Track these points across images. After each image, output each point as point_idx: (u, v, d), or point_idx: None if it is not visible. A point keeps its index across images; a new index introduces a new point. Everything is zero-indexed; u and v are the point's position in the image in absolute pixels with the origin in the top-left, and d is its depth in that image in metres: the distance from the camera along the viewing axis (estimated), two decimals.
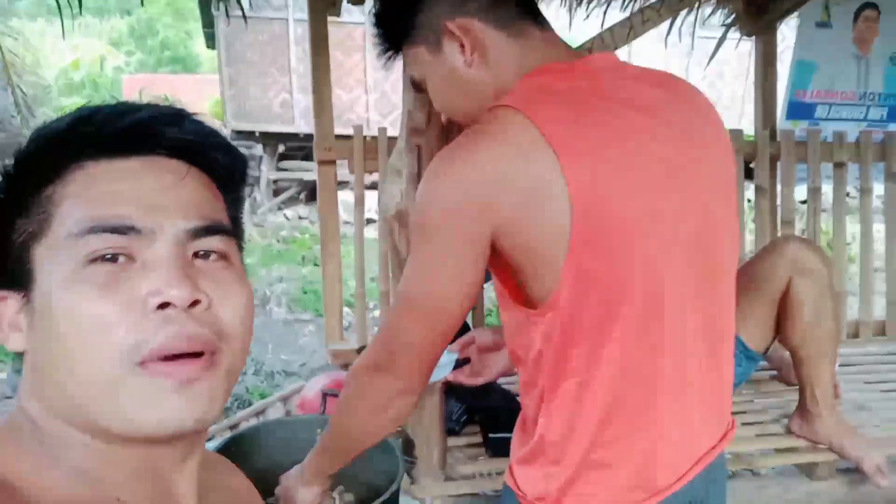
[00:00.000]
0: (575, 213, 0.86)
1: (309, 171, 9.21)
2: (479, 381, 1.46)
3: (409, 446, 1.73)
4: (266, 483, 1.27)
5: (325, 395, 1.75)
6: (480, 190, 0.89)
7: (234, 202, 0.67)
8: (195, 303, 0.55)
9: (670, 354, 0.96)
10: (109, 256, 0.54)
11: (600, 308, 0.91)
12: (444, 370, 1.44)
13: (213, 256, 0.59)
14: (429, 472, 1.72)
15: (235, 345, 0.59)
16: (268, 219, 8.71)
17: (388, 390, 1.00)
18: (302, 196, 9.55)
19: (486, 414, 1.91)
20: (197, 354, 0.55)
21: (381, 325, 1.01)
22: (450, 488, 1.72)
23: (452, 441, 1.89)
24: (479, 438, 1.94)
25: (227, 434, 1.81)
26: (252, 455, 1.42)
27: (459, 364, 1.48)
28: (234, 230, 0.64)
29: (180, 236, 0.56)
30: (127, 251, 0.54)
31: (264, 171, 9.46)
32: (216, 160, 0.63)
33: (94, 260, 0.53)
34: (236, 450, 1.39)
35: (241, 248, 0.67)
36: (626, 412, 0.96)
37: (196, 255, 0.58)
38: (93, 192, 0.55)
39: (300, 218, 8.93)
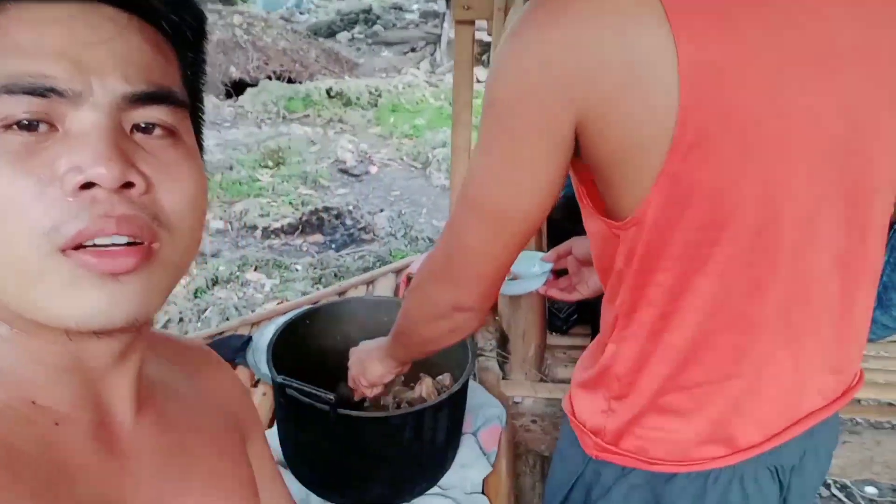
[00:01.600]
0: (683, 104, 0.66)
1: None
2: (574, 297, 1.29)
3: (504, 340, 1.62)
4: (340, 359, 1.23)
5: (409, 279, 1.64)
6: (566, 63, 0.69)
7: (192, 68, 0.55)
8: (128, 185, 0.45)
9: (780, 294, 0.77)
10: (27, 123, 0.44)
11: (696, 230, 0.73)
12: (535, 282, 1.29)
13: (157, 131, 0.48)
14: (522, 371, 1.62)
15: (181, 237, 0.48)
16: (445, 79, 8.61)
17: (445, 303, 0.88)
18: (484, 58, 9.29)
19: (598, 312, 1.74)
20: (132, 245, 0.45)
21: (446, 225, 0.87)
22: (542, 390, 1.61)
23: (555, 340, 1.76)
24: (586, 341, 1.78)
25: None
26: (329, 330, 1.38)
27: (556, 276, 1.32)
28: (187, 101, 0.52)
29: (115, 102, 0.46)
30: (48, 118, 0.44)
31: (446, 28, 9.25)
32: (168, 11, 0.50)
33: (8, 126, 0.44)
34: (311, 323, 1.35)
35: (198, 125, 0.56)
36: (710, 357, 0.80)
37: (137, 128, 0.47)
38: (9, 42, 0.45)
39: (478, 81, 8.73)
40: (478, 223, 0.81)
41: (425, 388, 1.36)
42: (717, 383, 0.81)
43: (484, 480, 1.31)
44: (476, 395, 1.48)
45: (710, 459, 0.85)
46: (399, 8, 11.40)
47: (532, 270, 1.34)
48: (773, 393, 0.83)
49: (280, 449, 1.26)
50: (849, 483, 2.06)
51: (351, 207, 4.21)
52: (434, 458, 1.22)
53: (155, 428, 0.56)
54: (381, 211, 4.27)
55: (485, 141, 0.78)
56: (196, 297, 3.13)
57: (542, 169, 0.76)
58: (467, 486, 1.29)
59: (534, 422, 1.58)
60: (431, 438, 1.17)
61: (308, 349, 1.34)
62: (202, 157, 0.56)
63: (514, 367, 1.62)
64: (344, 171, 4.89)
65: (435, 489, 1.26)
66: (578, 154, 0.76)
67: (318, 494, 1.23)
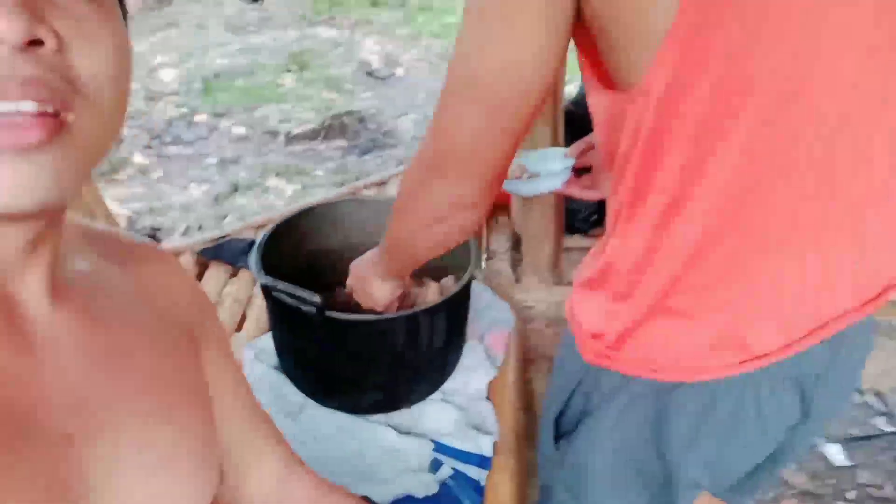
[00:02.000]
0: None
1: None
2: (597, 195, 1.18)
3: (516, 240, 1.53)
4: (337, 262, 1.16)
5: None
6: None
7: None
8: (36, 43, 0.37)
9: (812, 178, 0.67)
10: None
11: (712, 101, 0.63)
12: (555, 179, 1.18)
13: None
14: (535, 273, 1.53)
15: (99, 109, 0.41)
16: None
17: (441, 199, 0.76)
18: None
19: None
20: (42, 116, 0.37)
21: (434, 113, 0.75)
22: (557, 294, 1.52)
23: (574, 241, 1.66)
24: None
25: None
26: (326, 231, 1.30)
27: (577, 174, 1.20)
28: None
29: None
30: None
31: None
32: None
33: None
34: (306, 224, 1.28)
35: None
36: (723, 252, 0.71)
37: None
38: None
39: None
40: (472, 105, 0.69)
41: (431, 292, 1.29)
42: (732, 282, 0.72)
43: (489, 386, 1.25)
44: (484, 298, 1.40)
45: (720, 367, 0.76)
46: None
47: (552, 167, 1.23)
48: (797, 292, 0.73)
49: (276, 355, 1.22)
50: (884, 391, 1.97)
51: (375, 111, 4.07)
52: (432, 364, 1.16)
53: (79, 326, 0.49)
54: (406, 114, 4.13)
55: (474, 8, 0.67)
56: (216, 203, 3.09)
57: (540, 34, 0.65)
58: (471, 391, 1.23)
59: (548, 326, 1.51)
60: (428, 343, 1.10)
61: (304, 252, 1.27)
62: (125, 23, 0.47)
63: (526, 270, 1.53)
64: (369, 74, 4.72)
65: (436, 395, 1.21)
66: (580, 17, 0.65)
67: (315, 400, 1.18)
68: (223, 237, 1.65)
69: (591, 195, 1.19)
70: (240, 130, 3.86)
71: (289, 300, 1.02)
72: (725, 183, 0.66)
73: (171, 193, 3.19)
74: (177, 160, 3.56)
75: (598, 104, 0.74)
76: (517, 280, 1.55)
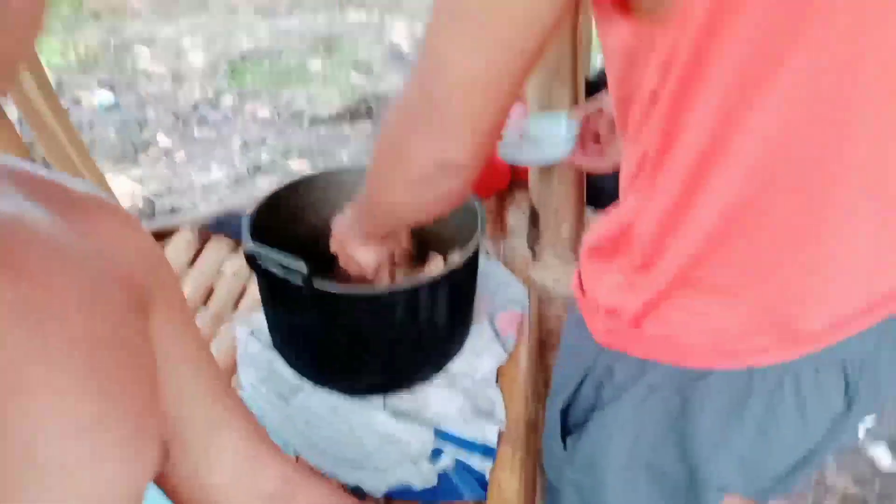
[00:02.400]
0: None
1: None
2: (605, 164, 1.07)
3: (534, 217, 1.43)
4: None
5: None
6: None
7: None
8: None
9: (876, 129, 0.56)
10: None
11: (764, 29, 0.52)
12: (560, 148, 1.07)
13: None
14: (554, 250, 1.42)
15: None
16: None
17: (424, 158, 0.64)
18: None
19: None
20: None
21: (418, 50, 0.63)
22: None
23: (597, 218, 1.54)
24: None
25: None
26: (327, 202, 1.21)
27: (584, 139, 1.10)
28: None
29: None
30: None
31: None
32: None
33: None
34: (304, 194, 1.19)
35: None
36: (767, 216, 0.60)
37: None
38: None
39: None
40: (462, 40, 0.57)
41: (435, 267, 1.20)
42: (775, 253, 0.61)
43: (498, 370, 1.15)
44: (497, 276, 1.30)
45: (759, 352, 0.65)
46: None
47: (556, 133, 1.12)
48: (849, 268, 0.62)
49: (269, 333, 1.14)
50: None
51: None
52: (435, 344, 1.06)
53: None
54: None
55: None
56: (237, 185, 3.04)
57: None
58: (478, 375, 1.13)
59: (567, 308, 1.40)
60: (430, 320, 1.01)
61: (306, 224, 1.19)
62: None
63: (544, 248, 1.43)
64: (398, 58, 4.63)
65: (440, 378, 1.12)
66: None
67: (309, 381, 1.10)
68: (227, 211, 1.58)
69: (600, 165, 1.08)
70: (265, 113, 3.80)
71: (276, 270, 0.93)
72: (772, 132, 0.55)
73: (192, 175, 3.15)
74: (201, 142, 3.52)
75: (615, 37, 0.62)
76: (535, 258, 1.44)
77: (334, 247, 0.99)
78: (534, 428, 1.12)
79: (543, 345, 1.44)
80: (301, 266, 0.89)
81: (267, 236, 1.07)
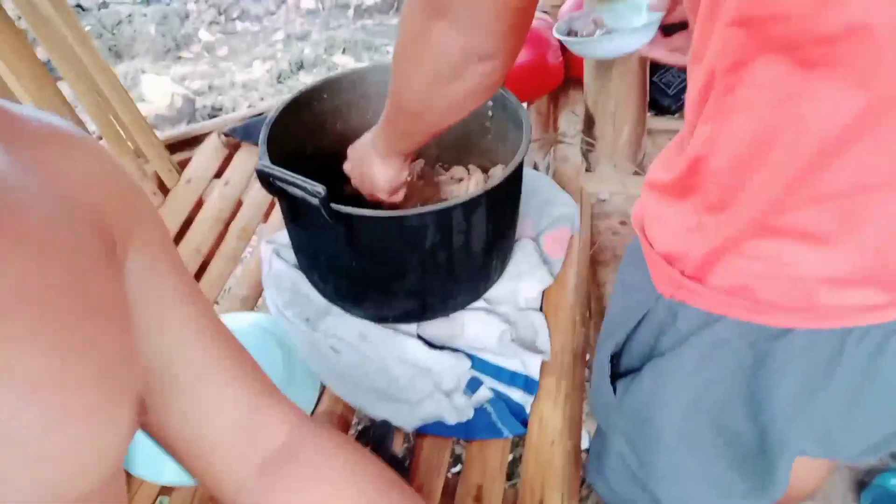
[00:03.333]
0: None
1: None
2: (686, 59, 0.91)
3: (589, 121, 1.28)
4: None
5: None
6: None
7: None
8: None
9: None
10: None
11: None
12: (636, 38, 0.92)
13: None
14: (611, 160, 1.29)
15: None
16: None
17: (450, 48, 0.58)
18: None
19: None
20: None
21: None
22: (635, 185, 1.28)
23: (660, 123, 1.39)
24: None
25: None
26: (354, 106, 1.10)
27: (664, 33, 0.93)
28: None
29: None
30: None
31: None
32: None
33: None
34: (330, 98, 1.07)
35: None
36: (875, 143, 0.47)
37: None
38: None
39: None
40: None
41: (473, 183, 1.08)
42: (882, 189, 0.48)
43: (543, 294, 1.05)
44: (542, 190, 1.18)
45: (857, 311, 0.53)
46: None
47: (632, 23, 0.96)
48: None
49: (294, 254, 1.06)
50: None
51: None
52: (472, 269, 0.96)
53: None
54: None
55: None
56: (279, 82, 2.92)
57: None
58: (520, 300, 1.04)
59: (623, 223, 1.27)
60: (465, 244, 0.90)
61: (332, 132, 1.08)
62: None
63: (600, 156, 1.29)
64: None
65: (478, 304, 1.02)
66: None
67: (337, 304, 1.02)
68: (257, 115, 1.47)
69: (682, 60, 0.93)
70: (309, 4, 3.62)
71: (292, 190, 0.83)
72: (887, 38, 0.41)
73: (234, 71, 3.04)
74: (243, 36, 3.39)
75: None
76: (588, 168, 1.31)
77: (348, 166, 0.89)
78: (581, 358, 1.03)
79: (594, 261, 1.33)
80: (318, 188, 0.79)
81: (288, 147, 0.97)
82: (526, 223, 1.11)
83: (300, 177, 0.81)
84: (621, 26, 0.97)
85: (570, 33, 0.97)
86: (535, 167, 1.28)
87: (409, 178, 0.91)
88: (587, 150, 1.30)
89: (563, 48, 1.42)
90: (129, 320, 0.46)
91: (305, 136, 1.05)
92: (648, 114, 1.31)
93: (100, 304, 0.43)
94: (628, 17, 0.97)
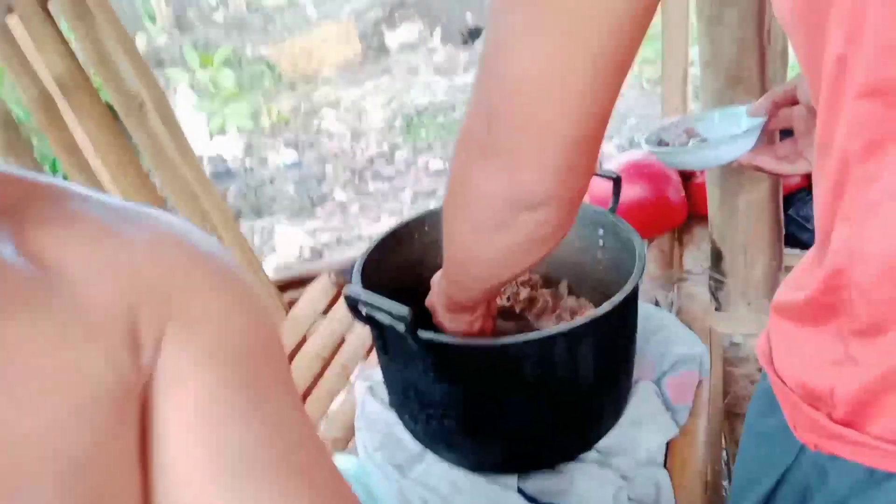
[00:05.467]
0: None
1: None
2: (802, 167, 0.81)
3: (717, 257, 1.17)
4: None
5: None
6: None
7: None
8: None
9: None
10: None
11: None
12: (736, 145, 0.83)
13: None
14: (744, 300, 1.15)
15: None
16: None
17: (492, 193, 0.50)
18: None
19: None
20: None
21: (481, 60, 0.49)
22: None
23: (797, 258, 1.24)
24: None
25: None
26: (431, 245, 1.05)
27: (772, 138, 0.85)
28: None
29: None
30: None
31: None
32: None
33: None
34: (407, 238, 1.02)
35: None
36: None
37: None
38: None
39: None
40: (532, 29, 0.42)
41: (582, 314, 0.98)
42: None
43: (668, 446, 0.90)
44: (668, 329, 1.05)
45: None
46: None
47: (730, 131, 0.88)
48: None
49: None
50: None
51: None
52: (580, 411, 0.84)
53: None
54: (611, 139, 3.81)
55: None
56: None
57: None
58: (640, 452, 0.89)
59: (760, 370, 1.11)
60: (571, 380, 0.80)
61: (419, 267, 1.03)
62: None
63: (731, 294, 1.16)
64: None
65: (590, 455, 0.89)
66: None
67: (431, 449, 0.92)
68: None
69: (792, 168, 0.81)
70: (437, 164, 3.79)
71: (381, 317, 0.78)
72: None
73: (363, 225, 3.16)
74: (374, 195, 3.56)
75: None
76: (718, 307, 1.17)
77: (430, 301, 0.82)
78: None
79: (729, 414, 1.16)
80: (403, 311, 0.73)
81: (387, 278, 0.93)
82: (645, 364, 0.98)
83: (386, 299, 0.76)
84: (717, 135, 0.88)
85: (660, 144, 0.89)
86: (657, 303, 1.16)
87: (482, 323, 0.81)
88: (716, 288, 1.17)
89: (686, 183, 1.34)
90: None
91: (406, 269, 1.00)
92: (785, 248, 1.18)
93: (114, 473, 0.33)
94: (725, 126, 0.88)
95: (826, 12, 0.37)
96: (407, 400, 0.90)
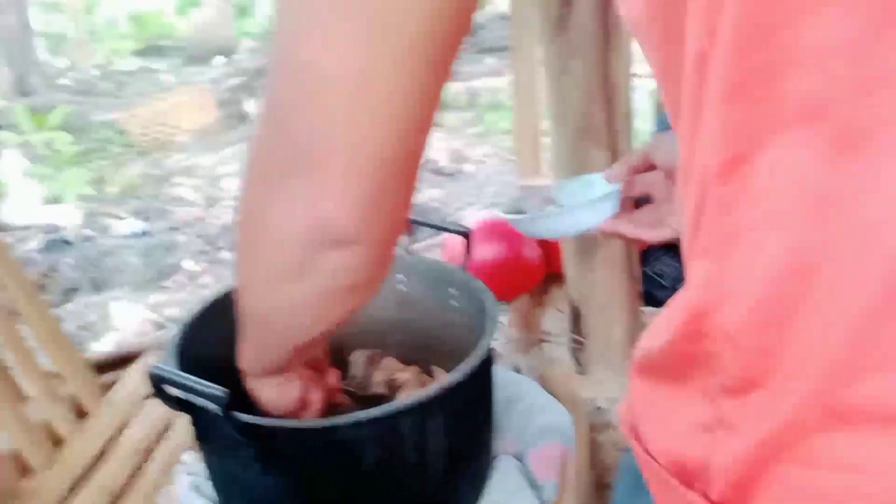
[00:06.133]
0: None
1: None
2: (660, 236, 0.79)
3: (576, 317, 1.12)
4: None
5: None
6: None
7: None
8: None
9: None
10: None
11: None
12: (594, 212, 0.80)
13: None
14: (604, 361, 1.10)
15: None
16: None
17: (295, 226, 0.40)
18: None
19: None
20: None
21: (271, 58, 0.39)
22: None
23: (656, 312, 1.22)
24: None
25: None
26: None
27: (632, 205, 0.83)
28: None
29: None
30: None
31: None
32: None
33: None
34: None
35: None
36: None
37: None
38: None
39: None
40: (335, 12, 0.34)
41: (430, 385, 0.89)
42: None
43: None
44: (528, 397, 0.98)
45: None
46: (505, 17, 11.11)
47: (586, 196, 0.85)
48: None
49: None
50: None
51: (438, 205, 3.81)
52: (430, 496, 0.74)
53: None
54: (472, 205, 3.85)
55: None
56: None
57: None
58: None
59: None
60: (419, 463, 0.69)
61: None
62: None
63: (592, 356, 1.11)
64: (436, 172, 4.50)
65: None
66: None
67: None
68: None
69: (655, 235, 0.79)
70: None
71: (193, 399, 0.64)
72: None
73: None
74: (228, 264, 3.35)
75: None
76: (581, 371, 1.12)
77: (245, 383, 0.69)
78: None
79: (599, 484, 1.09)
80: (217, 393, 0.60)
81: (205, 358, 0.79)
82: (506, 437, 0.90)
83: (198, 380, 0.63)
84: (575, 201, 0.85)
85: (518, 214, 0.86)
86: (517, 370, 1.09)
87: (303, 394, 0.69)
88: (576, 350, 1.12)
89: (542, 242, 1.30)
90: None
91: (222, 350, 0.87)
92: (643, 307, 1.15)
93: None
94: (583, 193, 0.86)
95: (683, 4, 0.31)
96: (232, 500, 0.75)
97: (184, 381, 0.63)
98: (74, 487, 0.95)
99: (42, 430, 1.01)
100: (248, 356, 0.61)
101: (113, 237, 3.54)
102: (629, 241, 1.03)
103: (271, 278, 0.44)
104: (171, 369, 0.65)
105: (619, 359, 1.11)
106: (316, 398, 0.68)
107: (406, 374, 0.88)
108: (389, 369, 0.91)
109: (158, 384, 0.66)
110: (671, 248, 1.27)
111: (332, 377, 0.74)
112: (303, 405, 0.67)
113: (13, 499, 0.90)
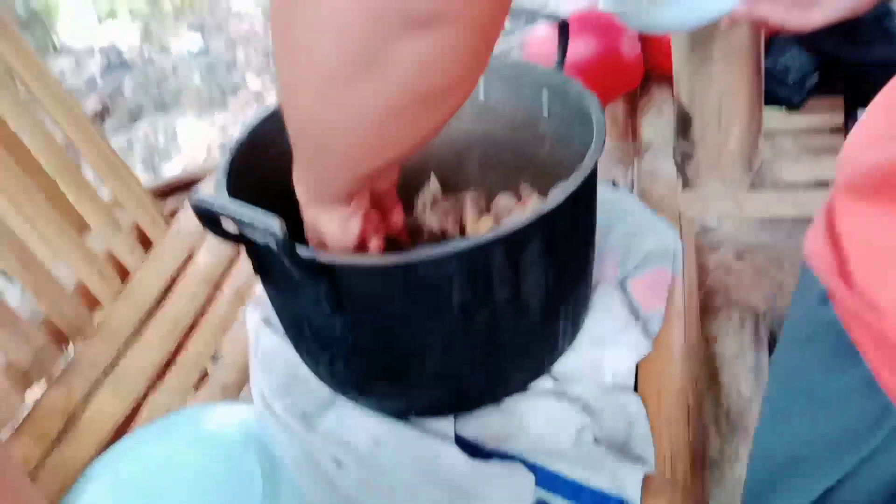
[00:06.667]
0: None
1: None
2: (814, 20, 0.62)
3: (684, 122, 0.96)
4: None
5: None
6: None
7: None
8: None
9: None
10: None
11: None
12: None
13: None
14: (717, 174, 0.96)
15: None
16: None
17: (352, 5, 0.27)
18: None
19: (858, 73, 1.00)
20: None
21: None
22: (755, 204, 0.94)
23: (780, 121, 1.06)
24: (836, 119, 1.06)
25: None
26: None
27: None
28: None
29: None
30: None
31: None
32: None
33: None
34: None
35: None
36: None
37: None
38: None
39: None
40: None
41: (527, 211, 0.77)
42: None
43: (639, 367, 0.72)
44: (627, 216, 0.85)
45: None
46: None
47: None
48: None
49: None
50: None
51: None
52: (527, 335, 0.65)
53: None
54: None
55: None
56: None
57: None
58: (605, 376, 0.71)
59: (740, 258, 0.94)
60: (514, 299, 0.59)
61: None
62: None
63: (702, 167, 0.96)
64: None
65: (542, 382, 0.70)
66: None
67: (343, 395, 0.72)
68: None
69: (800, 21, 0.63)
70: None
71: (248, 233, 0.55)
72: None
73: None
74: None
75: None
76: (687, 185, 0.98)
77: (303, 213, 0.58)
78: (697, 463, 0.69)
79: (702, 309, 0.99)
80: (272, 223, 0.50)
81: (254, 188, 0.69)
82: (606, 264, 0.79)
83: (249, 207, 0.52)
84: None
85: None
86: (614, 184, 0.96)
87: (364, 224, 0.58)
88: (684, 161, 0.97)
89: (644, 36, 1.11)
90: None
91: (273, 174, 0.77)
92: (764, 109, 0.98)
93: None
94: None
95: None
96: (302, 337, 0.69)
97: (233, 213, 0.53)
98: (145, 319, 0.91)
99: (107, 260, 0.97)
100: (304, 184, 0.50)
101: (172, 56, 3.42)
102: (759, 29, 0.85)
103: (326, 79, 0.31)
104: (217, 199, 0.55)
105: (735, 169, 0.96)
106: (381, 227, 0.59)
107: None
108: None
109: (205, 216, 0.57)
110: (800, 40, 1.06)
111: (397, 215, 0.64)
112: (362, 243, 0.57)
113: (82, 333, 0.87)
